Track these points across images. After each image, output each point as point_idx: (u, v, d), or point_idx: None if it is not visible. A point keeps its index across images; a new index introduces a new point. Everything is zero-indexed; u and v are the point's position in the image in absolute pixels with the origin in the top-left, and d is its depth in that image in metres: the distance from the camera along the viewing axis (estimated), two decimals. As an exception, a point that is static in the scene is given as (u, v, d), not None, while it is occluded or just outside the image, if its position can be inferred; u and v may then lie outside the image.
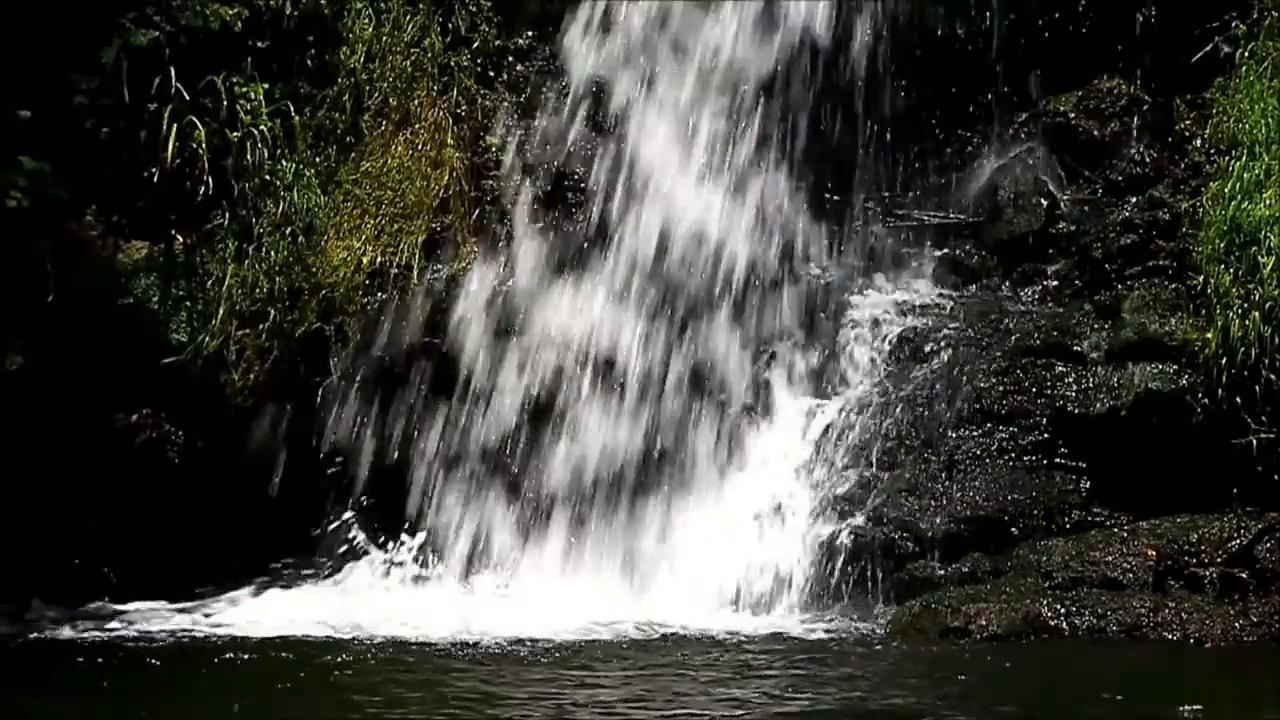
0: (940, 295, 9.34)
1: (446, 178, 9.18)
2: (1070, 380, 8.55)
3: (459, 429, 8.71)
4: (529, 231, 9.20)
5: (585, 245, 9.19)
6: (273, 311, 8.63)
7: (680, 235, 9.20)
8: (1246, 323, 8.09)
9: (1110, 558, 7.76)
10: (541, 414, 8.80)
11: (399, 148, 9.20)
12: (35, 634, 7.56)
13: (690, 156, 9.45)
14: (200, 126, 8.64)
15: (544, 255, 9.12)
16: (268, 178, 8.80)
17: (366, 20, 9.31)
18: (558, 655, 7.01)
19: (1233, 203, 8.43)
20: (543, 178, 9.36)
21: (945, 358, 8.88)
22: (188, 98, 8.64)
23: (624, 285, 9.08)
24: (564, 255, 9.16)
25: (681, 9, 9.70)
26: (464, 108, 9.42)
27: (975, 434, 8.52)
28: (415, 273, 8.91)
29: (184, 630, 7.61)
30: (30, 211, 7.90)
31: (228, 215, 8.75)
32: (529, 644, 7.21)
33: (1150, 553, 7.71)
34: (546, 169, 9.39)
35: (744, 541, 8.41)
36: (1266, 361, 8.02)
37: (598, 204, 9.24)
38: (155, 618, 7.82)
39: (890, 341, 9.07)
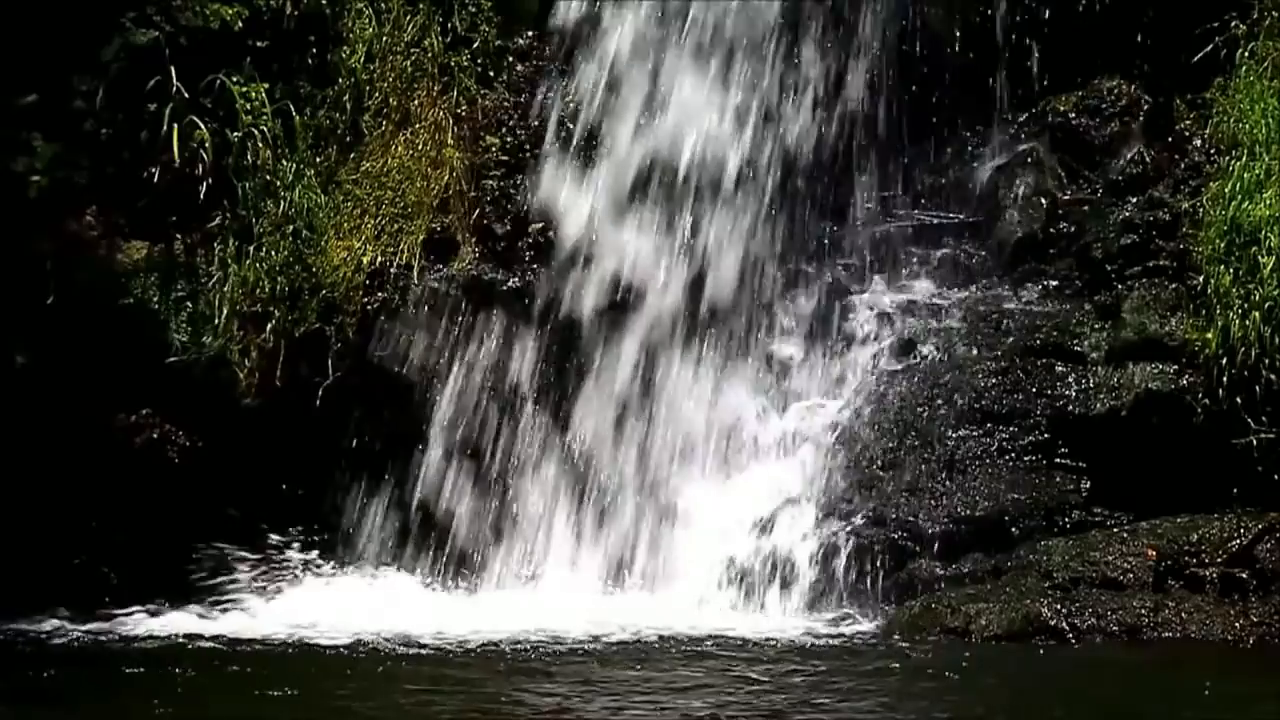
0: (940, 295, 9.34)
1: (446, 178, 9.18)
2: (1070, 380, 8.55)
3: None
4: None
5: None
6: (274, 311, 8.63)
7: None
8: (1246, 323, 8.09)
9: (1110, 558, 7.76)
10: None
11: (399, 148, 9.20)
12: (34, 636, 7.57)
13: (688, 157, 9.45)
14: (201, 126, 8.64)
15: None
16: (268, 177, 8.81)
17: (367, 20, 9.30)
18: (564, 659, 7.01)
19: (1233, 203, 8.43)
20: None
21: (946, 358, 8.88)
22: (188, 97, 8.64)
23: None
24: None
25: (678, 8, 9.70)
26: (464, 108, 9.42)
27: (975, 434, 8.52)
28: (415, 273, 8.92)
29: (185, 632, 7.61)
30: (47, 195, 7.90)
31: (228, 215, 8.75)
32: (525, 646, 7.24)
33: (1150, 553, 7.71)
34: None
35: (743, 541, 8.41)
36: (1266, 361, 8.01)
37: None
38: (157, 619, 7.83)
39: (890, 341, 9.08)
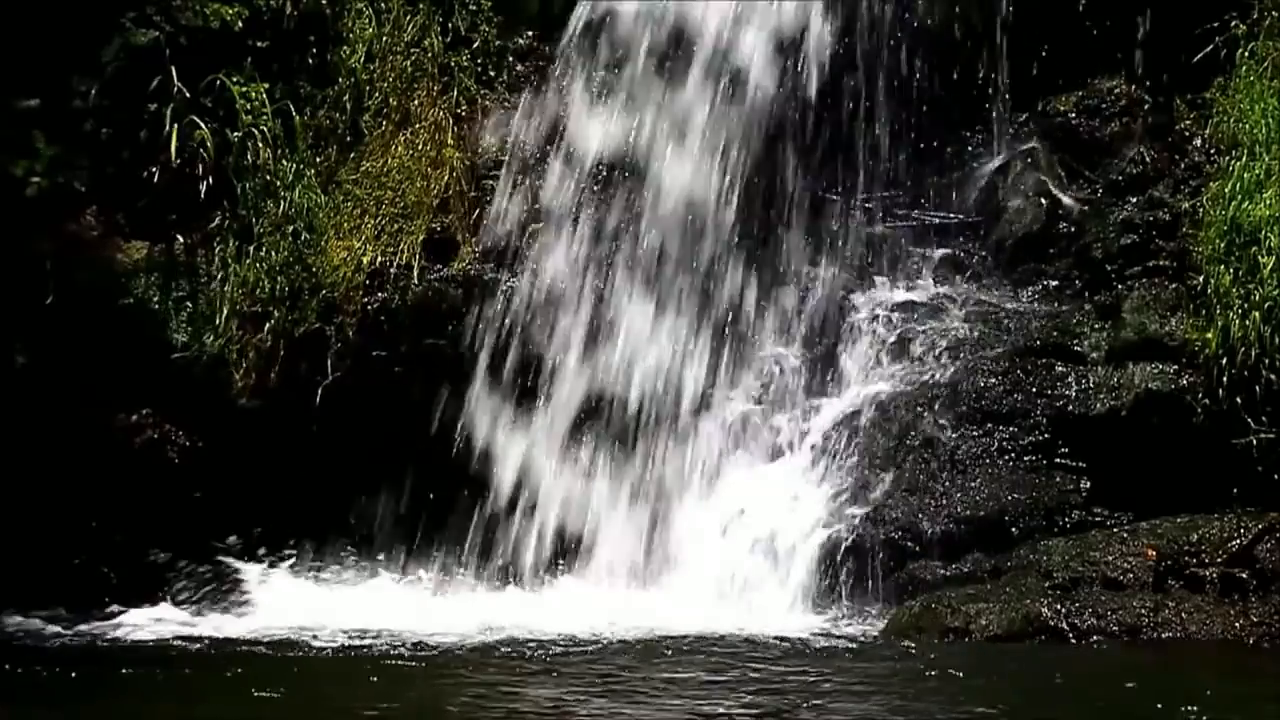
0: (940, 295, 9.33)
1: (446, 178, 9.18)
2: (1070, 380, 8.55)
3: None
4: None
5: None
6: (274, 311, 8.63)
7: (679, 235, 9.20)
8: (1246, 323, 8.09)
9: (1110, 558, 7.76)
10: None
11: (399, 148, 9.20)
12: (34, 636, 7.56)
13: (689, 156, 9.43)
14: (201, 126, 8.64)
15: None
16: (268, 177, 8.80)
17: (367, 20, 9.31)
18: (563, 659, 7.01)
19: (1233, 203, 8.43)
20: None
21: (945, 358, 8.88)
22: (188, 97, 8.64)
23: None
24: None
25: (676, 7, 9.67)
26: (464, 108, 9.42)
27: (975, 434, 8.52)
28: (415, 273, 8.92)
29: (185, 633, 7.61)
30: (47, 196, 7.90)
31: (228, 215, 8.75)
32: (532, 646, 7.24)
33: (1150, 553, 7.71)
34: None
35: (744, 541, 8.41)
36: (1266, 361, 8.02)
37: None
38: (155, 619, 7.83)
39: (890, 341, 9.07)
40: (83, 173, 8.24)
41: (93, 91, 8.50)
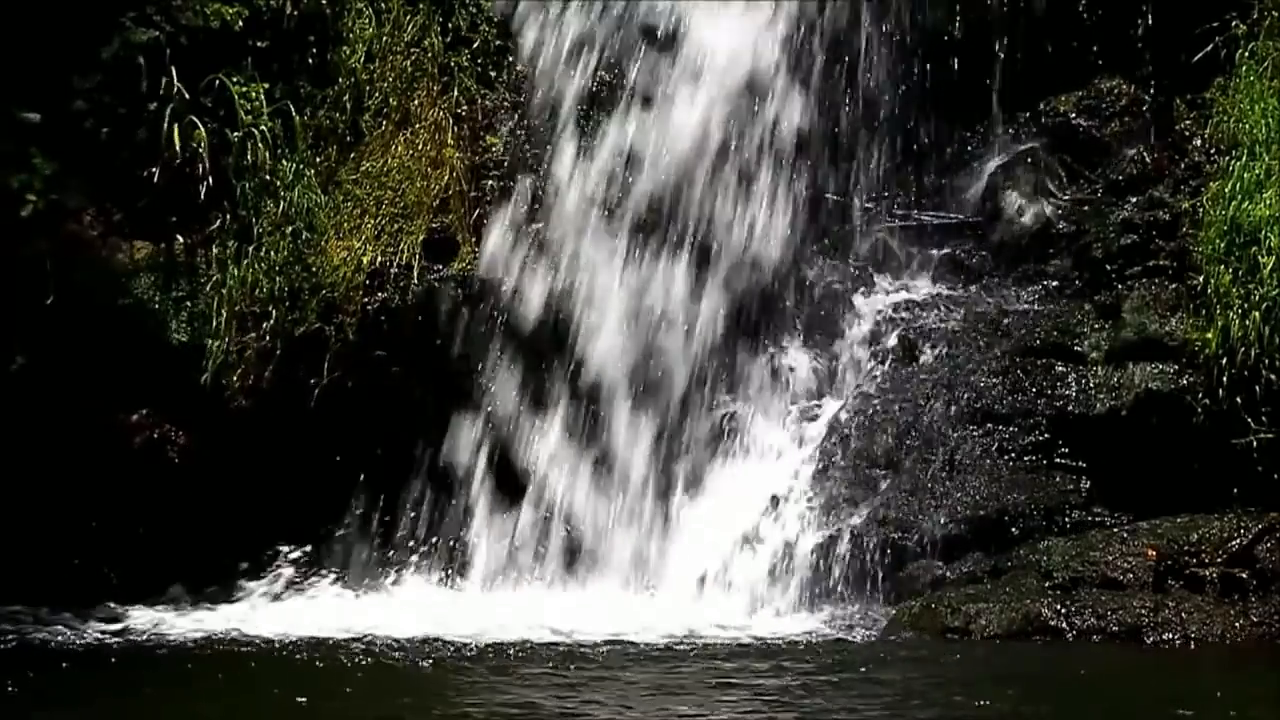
0: (940, 295, 9.35)
1: (446, 178, 9.18)
2: (1070, 380, 8.56)
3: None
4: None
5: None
6: (273, 311, 8.62)
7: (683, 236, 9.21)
8: (1246, 323, 8.09)
9: (1110, 558, 7.77)
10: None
11: (399, 148, 9.20)
12: (34, 636, 7.56)
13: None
14: (201, 126, 8.63)
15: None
16: (268, 177, 8.80)
17: (367, 20, 9.30)
18: (563, 661, 7.01)
19: (1233, 203, 8.43)
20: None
21: (945, 358, 8.89)
22: (188, 97, 8.63)
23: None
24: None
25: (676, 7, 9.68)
26: (464, 108, 9.42)
27: (975, 434, 8.53)
28: (415, 273, 8.91)
29: (186, 633, 7.61)
30: (44, 212, 7.90)
31: (228, 215, 8.74)
32: (530, 647, 7.24)
33: (1150, 553, 7.71)
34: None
35: (744, 542, 8.41)
36: (1266, 361, 8.02)
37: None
38: (156, 620, 7.83)
39: (890, 341, 9.08)
40: (81, 190, 8.21)
41: (93, 91, 8.49)
